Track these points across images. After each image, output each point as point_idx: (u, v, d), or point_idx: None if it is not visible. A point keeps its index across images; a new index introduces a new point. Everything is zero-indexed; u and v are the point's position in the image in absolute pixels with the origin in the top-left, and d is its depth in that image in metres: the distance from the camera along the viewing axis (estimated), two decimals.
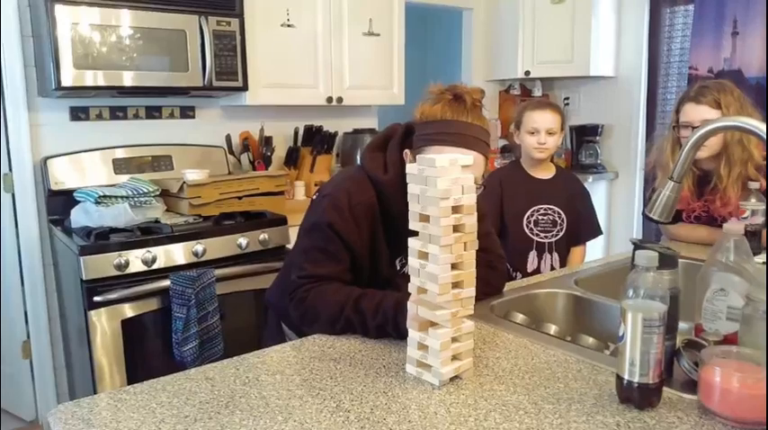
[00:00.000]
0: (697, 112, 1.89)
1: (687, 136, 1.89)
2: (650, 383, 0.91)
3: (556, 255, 2.17)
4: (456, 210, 0.99)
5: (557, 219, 2.16)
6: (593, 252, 2.34)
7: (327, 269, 1.31)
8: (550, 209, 2.15)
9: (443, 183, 0.97)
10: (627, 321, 0.91)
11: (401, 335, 1.14)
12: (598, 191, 3.81)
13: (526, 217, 2.14)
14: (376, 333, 1.20)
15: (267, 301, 1.63)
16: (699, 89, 1.94)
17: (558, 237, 2.16)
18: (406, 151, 1.33)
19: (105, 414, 0.92)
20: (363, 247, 1.34)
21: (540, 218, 2.15)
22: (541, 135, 2.10)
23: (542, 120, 2.11)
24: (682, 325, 1.07)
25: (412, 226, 1.03)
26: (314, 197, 1.41)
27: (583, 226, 2.23)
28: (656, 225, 2.68)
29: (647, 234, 3.59)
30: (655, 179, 2.08)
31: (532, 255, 2.14)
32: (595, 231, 2.27)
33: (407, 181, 1.03)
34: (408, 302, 1.06)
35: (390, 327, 1.18)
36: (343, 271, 1.32)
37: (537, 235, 2.15)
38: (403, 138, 1.35)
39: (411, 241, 1.03)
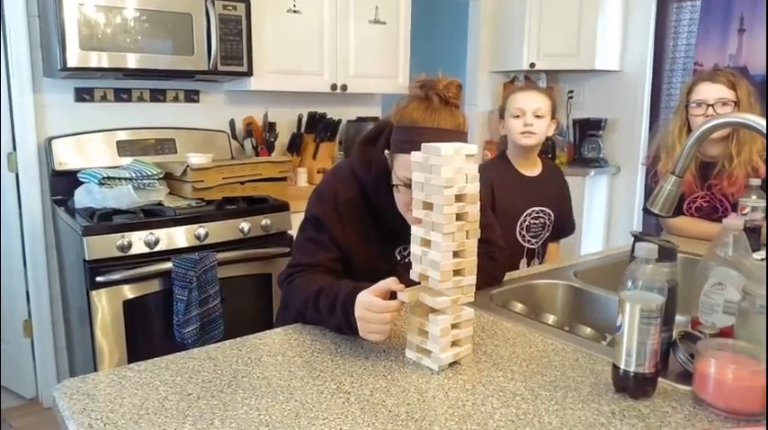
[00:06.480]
0: (713, 90, 1.93)
1: (699, 114, 1.93)
2: (646, 373, 0.92)
3: (538, 259, 2.00)
4: (459, 198, 1.00)
5: (546, 221, 1.97)
6: (594, 245, 2.35)
7: (316, 257, 1.32)
8: (542, 211, 1.96)
9: (447, 171, 0.98)
10: (625, 312, 0.92)
11: (357, 333, 1.10)
12: (600, 185, 3.82)
13: (519, 223, 1.93)
14: (338, 331, 1.17)
15: (279, 285, 1.65)
16: (713, 71, 2.01)
17: (544, 239, 2.00)
18: (386, 152, 1.30)
19: (109, 390, 0.94)
20: (350, 242, 1.34)
21: (531, 222, 1.94)
22: (528, 116, 1.87)
23: (527, 101, 1.89)
24: (679, 318, 1.08)
25: (415, 213, 1.04)
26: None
27: (567, 222, 2.09)
28: (656, 219, 2.69)
29: (647, 228, 3.60)
30: (655, 165, 2.08)
31: (522, 263, 1.94)
32: (573, 228, 2.14)
33: (412, 169, 1.03)
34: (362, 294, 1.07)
35: (345, 328, 1.13)
36: (331, 259, 1.32)
37: (528, 241, 1.95)
38: (390, 135, 1.31)
39: (414, 229, 1.04)
